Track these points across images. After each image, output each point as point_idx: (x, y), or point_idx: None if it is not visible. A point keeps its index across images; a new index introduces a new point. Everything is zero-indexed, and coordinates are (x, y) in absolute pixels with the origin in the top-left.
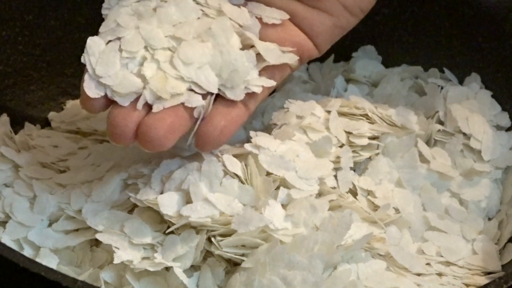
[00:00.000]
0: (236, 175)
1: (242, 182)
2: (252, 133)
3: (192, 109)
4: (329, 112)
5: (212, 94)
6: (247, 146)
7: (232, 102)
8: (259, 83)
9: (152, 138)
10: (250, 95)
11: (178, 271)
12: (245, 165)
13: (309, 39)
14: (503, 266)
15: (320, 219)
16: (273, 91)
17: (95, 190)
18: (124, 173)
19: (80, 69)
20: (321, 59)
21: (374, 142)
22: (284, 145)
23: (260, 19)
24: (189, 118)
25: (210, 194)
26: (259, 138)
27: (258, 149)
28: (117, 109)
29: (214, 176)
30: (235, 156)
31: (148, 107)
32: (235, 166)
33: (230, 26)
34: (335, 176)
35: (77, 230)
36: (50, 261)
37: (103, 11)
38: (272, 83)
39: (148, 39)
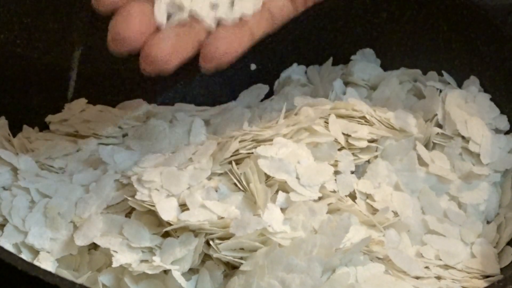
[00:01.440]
0: (235, 180)
1: (240, 188)
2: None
3: (196, 32)
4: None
5: None
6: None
7: (236, 26)
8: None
9: (155, 59)
10: (252, 20)
11: (177, 274)
12: (244, 172)
13: None
14: (501, 269)
15: (318, 222)
16: (271, 94)
17: (91, 192)
18: (118, 174)
19: (79, 73)
20: (320, 62)
21: (373, 145)
22: (285, 148)
23: None
24: (192, 41)
25: (206, 201)
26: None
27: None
28: (119, 17)
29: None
30: (235, 160)
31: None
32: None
33: None
34: (335, 180)
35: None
36: (48, 264)
37: None
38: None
39: None
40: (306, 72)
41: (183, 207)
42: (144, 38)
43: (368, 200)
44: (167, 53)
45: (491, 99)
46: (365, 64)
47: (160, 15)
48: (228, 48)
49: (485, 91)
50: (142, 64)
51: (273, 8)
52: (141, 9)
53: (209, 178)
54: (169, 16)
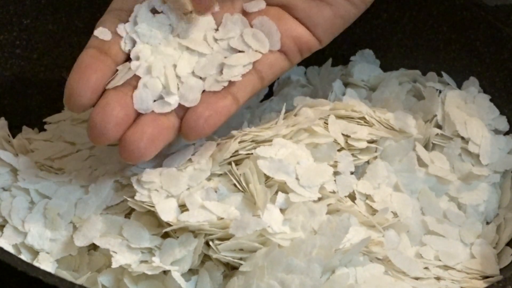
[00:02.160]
0: (235, 181)
1: (239, 188)
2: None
3: (175, 117)
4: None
5: None
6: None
7: (218, 93)
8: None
9: (133, 151)
10: (237, 86)
11: (176, 274)
12: (243, 173)
13: (309, 30)
14: (501, 270)
15: (318, 223)
16: (271, 95)
17: (91, 193)
18: (117, 175)
19: None
20: (319, 63)
21: (373, 145)
22: (285, 149)
23: (245, 13)
24: (171, 126)
25: (206, 202)
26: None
27: (257, 153)
28: (98, 109)
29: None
30: (234, 161)
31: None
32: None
33: None
34: (335, 181)
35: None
36: (48, 265)
37: None
38: (248, 67)
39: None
40: (305, 73)
41: (183, 207)
42: (122, 131)
43: (367, 201)
44: (144, 147)
45: (491, 100)
46: (364, 65)
47: (141, 102)
48: (206, 123)
49: (485, 92)
50: (121, 155)
51: (261, 66)
52: (118, 99)
53: (208, 179)
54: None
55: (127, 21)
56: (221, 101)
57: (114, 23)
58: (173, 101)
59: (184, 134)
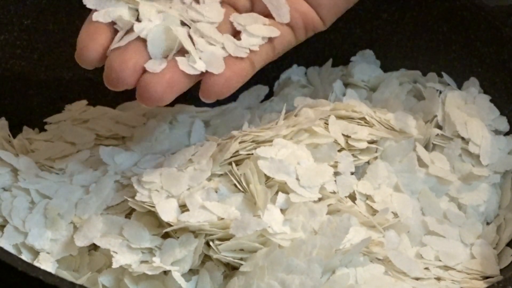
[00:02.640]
0: (235, 181)
1: (240, 189)
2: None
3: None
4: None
5: None
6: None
7: (237, 59)
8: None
9: (151, 95)
10: (254, 52)
11: (177, 275)
12: (244, 173)
13: (313, 10)
14: (501, 270)
15: (318, 223)
16: (271, 95)
17: (91, 193)
18: (118, 175)
19: (79, 74)
20: (320, 63)
21: (373, 146)
22: (285, 150)
23: None
24: (189, 75)
25: (206, 202)
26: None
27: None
28: (115, 53)
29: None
30: (235, 161)
31: (148, 55)
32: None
33: None
34: (335, 181)
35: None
36: (48, 265)
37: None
38: (275, 32)
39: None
40: (306, 73)
41: (183, 208)
42: (138, 75)
43: (368, 201)
44: (162, 91)
45: (491, 100)
46: (365, 66)
47: (155, 50)
48: (226, 83)
49: (485, 92)
50: (138, 99)
51: (275, 38)
52: (136, 48)
53: (209, 179)
54: None
55: None
56: (239, 63)
57: None
58: (201, 67)
59: (204, 93)
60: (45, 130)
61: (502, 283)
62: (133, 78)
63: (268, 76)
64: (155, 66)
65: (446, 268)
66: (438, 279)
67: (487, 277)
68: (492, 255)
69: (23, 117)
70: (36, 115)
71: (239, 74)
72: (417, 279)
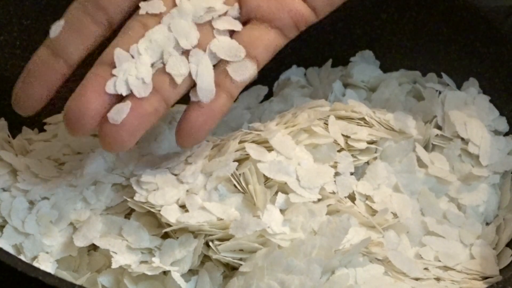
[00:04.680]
0: (235, 182)
1: (239, 189)
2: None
3: (158, 100)
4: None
5: None
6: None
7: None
8: None
9: (112, 143)
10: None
11: (176, 275)
12: (243, 173)
13: (305, 2)
14: (500, 270)
15: (318, 224)
16: (271, 95)
17: (91, 193)
18: (117, 176)
19: (79, 74)
20: (319, 63)
21: (372, 146)
22: (285, 150)
23: None
24: (152, 112)
25: (206, 203)
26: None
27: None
28: (73, 101)
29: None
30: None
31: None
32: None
33: None
34: (334, 181)
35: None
36: (48, 265)
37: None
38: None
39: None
40: (305, 74)
41: (183, 208)
42: (99, 118)
43: (367, 202)
44: (123, 140)
45: (491, 101)
46: (364, 66)
47: (117, 87)
48: (202, 128)
49: (485, 92)
50: (100, 143)
51: (256, 51)
52: (95, 87)
53: (208, 180)
54: None
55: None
56: (214, 101)
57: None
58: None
59: (179, 142)
60: (45, 131)
61: (501, 283)
62: (93, 125)
63: (267, 76)
64: (117, 116)
65: (446, 268)
66: (438, 279)
67: (486, 278)
68: (492, 256)
69: (22, 118)
70: (35, 116)
71: (216, 113)
72: (416, 279)
